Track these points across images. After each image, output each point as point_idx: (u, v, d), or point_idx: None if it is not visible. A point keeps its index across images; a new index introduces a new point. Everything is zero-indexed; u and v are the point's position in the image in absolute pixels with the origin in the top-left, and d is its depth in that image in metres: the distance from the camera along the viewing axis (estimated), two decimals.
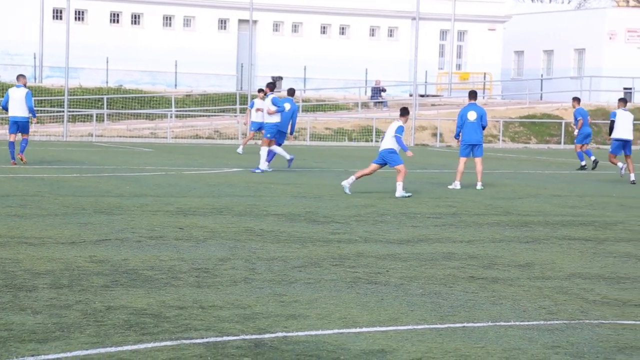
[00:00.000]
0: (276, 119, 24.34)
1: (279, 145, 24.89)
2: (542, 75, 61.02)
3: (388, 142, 19.04)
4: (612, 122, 23.93)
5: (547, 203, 18.63)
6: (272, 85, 25.29)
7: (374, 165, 19.31)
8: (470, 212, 16.60)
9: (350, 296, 9.15)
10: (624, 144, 23.45)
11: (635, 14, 61.51)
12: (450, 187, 21.05)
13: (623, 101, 24.33)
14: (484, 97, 55.24)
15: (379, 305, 8.77)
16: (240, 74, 53.45)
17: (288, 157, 24.77)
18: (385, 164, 19.15)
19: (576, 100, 29.96)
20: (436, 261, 11.35)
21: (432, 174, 26.13)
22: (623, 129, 23.74)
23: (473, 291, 9.57)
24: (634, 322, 8.39)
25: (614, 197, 20.25)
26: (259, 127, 29.29)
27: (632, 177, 23.80)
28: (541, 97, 58.12)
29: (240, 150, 32.56)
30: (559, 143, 48.25)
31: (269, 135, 24.43)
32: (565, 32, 60.11)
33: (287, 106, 24.54)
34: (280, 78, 54.20)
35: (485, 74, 57.31)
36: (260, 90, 29.92)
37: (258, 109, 29.44)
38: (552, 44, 61.86)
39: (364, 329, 7.84)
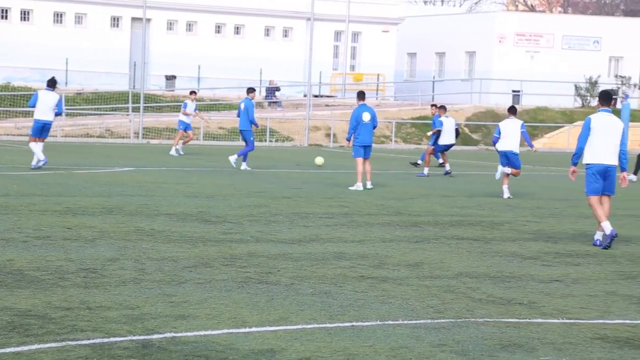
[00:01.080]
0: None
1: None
2: (434, 77, 61.84)
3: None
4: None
5: (437, 203, 18.89)
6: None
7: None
8: (362, 212, 16.72)
9: (240, 296, 9.13)
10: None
11: (523, 18, 62.83)
12: (351, 188, 21.13)
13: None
14: (377, 98, 55.75)
15: (269, 305, 8.78)
16: (133, 73, 52.85)
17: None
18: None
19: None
20: (327, 261, 11.40)
21: (326, 174, 26.24)
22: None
23: (363, 290, 9.65)
24: (517, 320, 8.57)
25: (503, 199, 20.61)
26: (187, 127, 32.55)
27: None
28: (433, 99, 58.86)
29: (173, 151, 32.58)
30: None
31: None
32: (457, 35, 61.06)
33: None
34: (174, 77, 53.80)
35: (378, 75, 57.83)
36: (192, 93, 33.71)
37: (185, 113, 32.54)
38: (444, 46, 62.76)
39: (254, 329, 7.84)
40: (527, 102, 55.69)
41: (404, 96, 59.57)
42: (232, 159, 26.79)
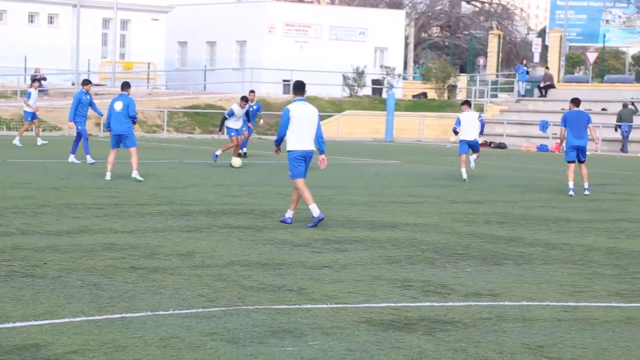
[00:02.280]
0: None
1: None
2: (205, 66, 61.74)
3: None
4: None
5: (210, 192, 18.89)
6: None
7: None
8: (133, 203, 16.52)
9: (4, 290, 8.83)
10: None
11: (292, 9, 63.56)
12: (107, 178, 20.72)
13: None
14: (148, 87, 55.13)
15: (34, 299, 8.53)
16: None
17: None
18: None
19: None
20: (96, 252, 11.19)
21: (94, 164, 25.75)
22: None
23: (133, 281, 9.53)
24: (287, 306, 8.69)
25: (273, 186, 20.85)
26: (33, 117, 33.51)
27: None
28: (205, 88, 58.81)
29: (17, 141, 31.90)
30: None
31: None
32: (227, 24, 61.14)
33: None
34: None
35: (149, 63, 57.18)
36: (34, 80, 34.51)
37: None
38: (214, 35, 62.71)
39: (18, 324, 7.60)
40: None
41: (176, 85, 59.18)
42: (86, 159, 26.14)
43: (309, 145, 14.49)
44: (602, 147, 43.95)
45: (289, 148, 14.46)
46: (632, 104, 46.73)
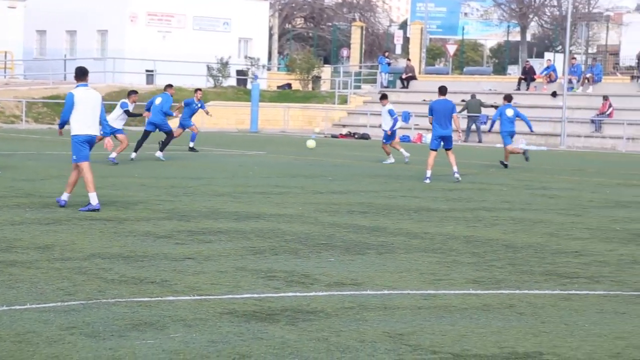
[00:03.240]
0: None
1: None
2: (65, 56, 60.51)
3: None
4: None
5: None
6: None
7: None
8: None
9: None
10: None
11: None
12: None
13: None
14: (5, 77, 53.75)
15: None
16: None
17: None
18: None
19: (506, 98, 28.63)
20: None
21: None
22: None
23: None
24: (149, 299, 8.59)
25: (136, 178, 20.60)
26: None
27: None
28: (65, 78, 57.63)
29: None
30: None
31: None
32: (88, 13, 60.00)
33: None
34: None
35: (6, 52, 55.72)
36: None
37: None
38: (74, 24, 61.48)
39: None
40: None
41: (35, 75, 57.84)
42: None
43: (94, 130, 14.95)
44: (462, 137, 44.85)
45: (73, 132, 14.81)
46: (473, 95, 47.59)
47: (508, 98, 27.94)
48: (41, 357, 6.60)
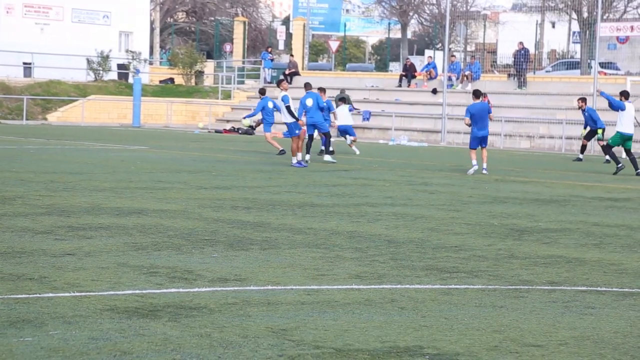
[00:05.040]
0: None
1: None
2: None
3: None
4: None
5: None
6: None
7: None
8: None
9: None
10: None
11: None
12: None
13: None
14: None
15: None
16: None
17: None
18: None
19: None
20: None
21: None
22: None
23: None
24: (27, 295, 8.41)
25: (14, 172, 20.17)
26: None
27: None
28: None
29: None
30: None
31: None
32: None
33: None
34: None
35: None
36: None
37: None
38: None
39: None
40: (39, 75, 54.82)
41: None
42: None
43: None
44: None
45: None
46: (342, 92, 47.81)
47: (262, 92, 30.58)
48: None
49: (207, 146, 33.80)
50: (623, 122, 27.33)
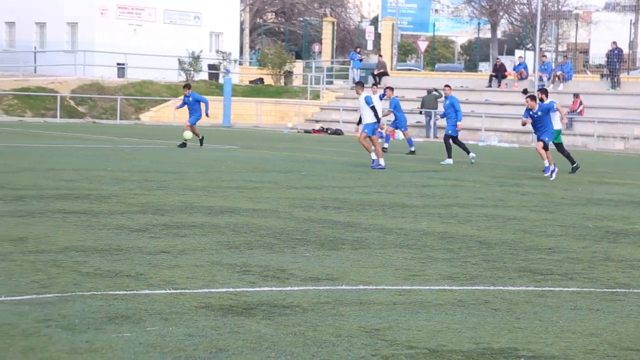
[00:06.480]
0: None
1: None
2: (35, 48, 60.14)
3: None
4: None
5: (43, 177, 18.44)
6: None
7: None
8: None
9: None
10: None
11: None
12: None
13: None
14: None
15: None
16: None
17: None
18: None
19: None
20: None
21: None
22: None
23: None
24: (125, 292, 8.56)
25: (109, 171, 20.53)
26: None
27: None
28: (35, 70, 57.32)
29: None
30: (55, 117, 47.95)
31: None
32: (58, 6, 59.63)
33: None
34: None
35: None
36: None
37: None
38: (44, 16, 61.09)
39: None
40: (132, 75, 55.69)
41: (5, 67, 57.44)
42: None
43: None
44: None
45: None
46: (436, 90, 47.47)
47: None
48: (17, 350, 6.56)
49: (296, 146, 33.97)
50: None
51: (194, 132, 30.64)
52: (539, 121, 23.64)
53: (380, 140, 25.86)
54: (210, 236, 12.07)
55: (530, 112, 23.62)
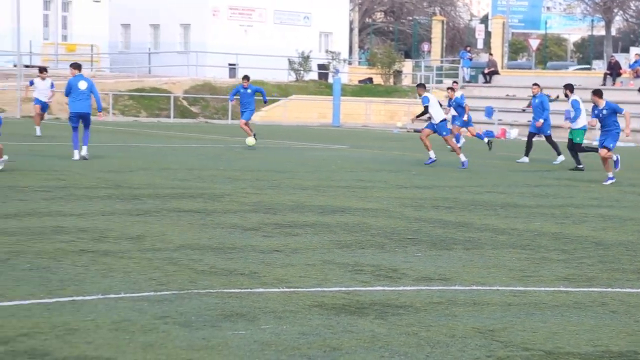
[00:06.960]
0: None
1: None
2: (149, 49, 61.28)
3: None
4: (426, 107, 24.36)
5: (157, 176, 18.78)
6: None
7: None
8: (80, 186, 16.37)
9: None
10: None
11: None
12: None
13: (421, 86, 25.02)
14: (91, 70, 54.60)
15: None
16: None
17: None
18: None
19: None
20: (45, 235, 11.08)
21: (39, 146, 25.48)
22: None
23: (83, 265, 9.46)
24: (239, 290, 8.67)
25: (221, 170, 20.78)
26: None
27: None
28: (150, 71, 58.39)
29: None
30: (169, 117, 48.77)
31: None
32: (171, 7, 60.69)
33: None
34: None
35: (92, 46, 56.63)
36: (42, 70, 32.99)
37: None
38: (158, 18, 62.24)
39: None
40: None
41: (120, 68, 58.69)
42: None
43: None
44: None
45: None
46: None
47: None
48: (137, 345, 6.71)
49: (406, 145, 33.87)
50: None
51: (246, 129, 29.08)
52: (604, 120, 21.34)
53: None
54: (321, 235, 12.12)
55: (596, 111, 21.39)
